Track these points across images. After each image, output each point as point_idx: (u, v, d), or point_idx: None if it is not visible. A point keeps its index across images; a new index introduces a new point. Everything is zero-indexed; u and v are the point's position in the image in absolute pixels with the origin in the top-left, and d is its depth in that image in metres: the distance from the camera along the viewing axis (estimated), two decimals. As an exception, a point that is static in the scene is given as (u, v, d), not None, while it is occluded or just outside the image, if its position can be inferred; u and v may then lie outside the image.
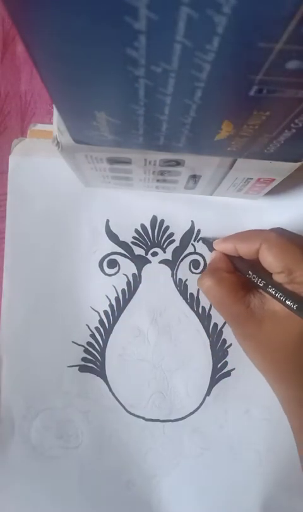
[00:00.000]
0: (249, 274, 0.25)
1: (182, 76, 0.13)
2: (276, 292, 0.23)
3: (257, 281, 0.25)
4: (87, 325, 0.30)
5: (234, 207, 0.31)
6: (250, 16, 0.10)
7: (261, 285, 0.24)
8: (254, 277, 0.25)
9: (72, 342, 0.30)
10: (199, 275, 0.31)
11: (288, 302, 0.22)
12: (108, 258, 0.31)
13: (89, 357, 0.30)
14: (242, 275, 0.26)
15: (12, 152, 0.30)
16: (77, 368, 0.30)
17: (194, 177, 0.26)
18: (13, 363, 0.30)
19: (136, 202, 0.31)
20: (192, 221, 0.31)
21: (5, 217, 0.31)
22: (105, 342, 0.30)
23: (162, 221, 0.31)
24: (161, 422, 0.30)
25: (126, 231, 0.31)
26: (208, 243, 0.30)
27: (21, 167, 0.30)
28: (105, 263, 0.31)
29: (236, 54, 0.11)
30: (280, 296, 0.23)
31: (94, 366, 0.30)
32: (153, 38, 0.11)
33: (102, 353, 0.30)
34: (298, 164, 0.22)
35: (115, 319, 0.31)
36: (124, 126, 0.18)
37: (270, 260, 0.23)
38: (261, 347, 0.25)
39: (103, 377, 0.30)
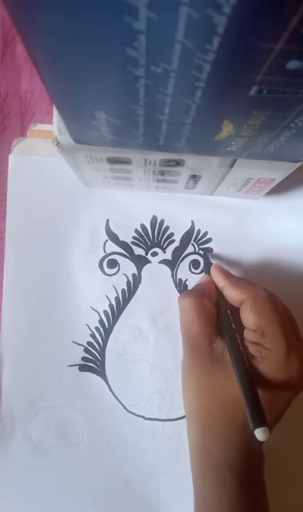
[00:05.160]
0: (228, 314, 0.25)
1: (182, 76, 0.13)
2: (233, 346, 0.23)
3: (230, 325, 0.24)
4: (87, 324, 0.30)
5: (234, 207, 0.31)
6: (250, 16, 0.10)
7: (229, 331, 0.24)
8: (231, 320, 0.25)
9: (73, 341, 0.30)
10: (199, 276, 0.31)
11: (235, 365, 0.22)
12: (108, 258, 0.31)
13: (89, 356, 0.30)
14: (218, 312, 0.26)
15: (12, 151, 0.30)
16: (78, 367, 0.30)
17: (194, 177, 0.26)
18: (14, 363, 0.30)
19: (136, 202, 0.31)
20: (192, 221, 0.31)
21: (5, 217, 0.31)
22: (105, 342, 0.30)
23: (162, 221, 0.31)
24: (161, 421, 0.30)
25: (126, 231, 0.31)
26: (207, 260, 0.30)
27: (21, 167, 0.30)
28: (105, 263, 0.31)
29: (236, 54, 0.12)
30: (234, 354, 0.23)
31: (94, 366, 0.30)
32: (153, 38, 0.11)
33: (102, 352, 0.30)
34: (298, 164, 0.22)
35: (115, 319, 0.31)
36: (124, 126, 0.18)
37: (251, 316, 0.24)
38: (199, 387, 0.24)
39: (103, 376, 0.30)
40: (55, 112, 0.21)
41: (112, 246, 0.31)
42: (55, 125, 0.21)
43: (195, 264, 0.31)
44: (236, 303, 0.25)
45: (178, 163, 0.23)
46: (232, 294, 0.25)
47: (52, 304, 0.30)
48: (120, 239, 0.31)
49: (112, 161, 0.23)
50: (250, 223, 0.31)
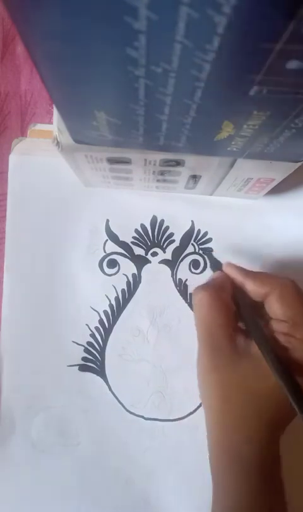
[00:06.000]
0: (251, 307, 0.24)
1: (182, 76, 0.13)
2: (261, 338, 0.23)
3: (255, 317, 0.24)
4: (87, 324, 0.30)
5: (234, 207, 0.31)
6: (250, 16, 0.10)
7: (254, 324, 0.23)
8: (255, 318, 0.24)
9: (72, 341, 0.30)
10: (199, 275, 0.31)
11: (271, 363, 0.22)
12: (108, 258, 0.31)
13: (89, 357, 0.30)
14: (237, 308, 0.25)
15: (13, 151, 0.30)
16: (77, 367, 0.30)
17: (194, 177, 0.26)
18: (14, 362, 0.30)
19: (136, 202, 0.31)
20: (192, 221, 0.31)
21: (5, 217, 0.31)
22: (105, 342, 0.30)
23: (162, 221, 0.31)
24: (161, 422, 0.30)
25: (126, 231, 0.31)
26: (213, 258, 0.29)
27: (21, 167, 0.30)
28: (105, 263, 0.31)
29: (236, 54, 0.12)
30: (267, 353, 0.22)
31: (94, 366, 0.30)
32: (153, 38, 0.11)
33: (102, 352, 0.30)
34: (298, 164, 0.22)
35: (115, 319, 0.31)
36: (124, 126, 0.18)
37: (280, 306, 0.23)
38: (225, 383, 0.23)
39: (103, 376, 0.30)
40: (55, 112, 0.21)
41: (111, 246, 0.31)
42: (55, 125, 0.21)
43: (195, 264, 0.31)
44: (258, 296, 0.24)
45: (178, 163, 0.23)
46: (255, 287, 0.24)
47: (52, 305, 0.30)
48: (120, 239, 0.31)
49: (112, 161, 0.23)
50: (250, 223, 0.31)
